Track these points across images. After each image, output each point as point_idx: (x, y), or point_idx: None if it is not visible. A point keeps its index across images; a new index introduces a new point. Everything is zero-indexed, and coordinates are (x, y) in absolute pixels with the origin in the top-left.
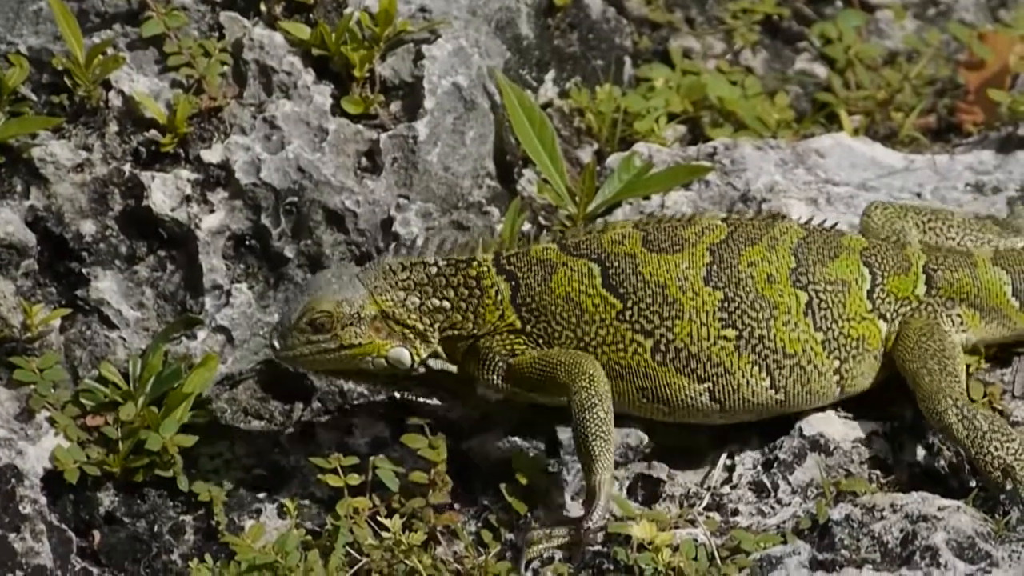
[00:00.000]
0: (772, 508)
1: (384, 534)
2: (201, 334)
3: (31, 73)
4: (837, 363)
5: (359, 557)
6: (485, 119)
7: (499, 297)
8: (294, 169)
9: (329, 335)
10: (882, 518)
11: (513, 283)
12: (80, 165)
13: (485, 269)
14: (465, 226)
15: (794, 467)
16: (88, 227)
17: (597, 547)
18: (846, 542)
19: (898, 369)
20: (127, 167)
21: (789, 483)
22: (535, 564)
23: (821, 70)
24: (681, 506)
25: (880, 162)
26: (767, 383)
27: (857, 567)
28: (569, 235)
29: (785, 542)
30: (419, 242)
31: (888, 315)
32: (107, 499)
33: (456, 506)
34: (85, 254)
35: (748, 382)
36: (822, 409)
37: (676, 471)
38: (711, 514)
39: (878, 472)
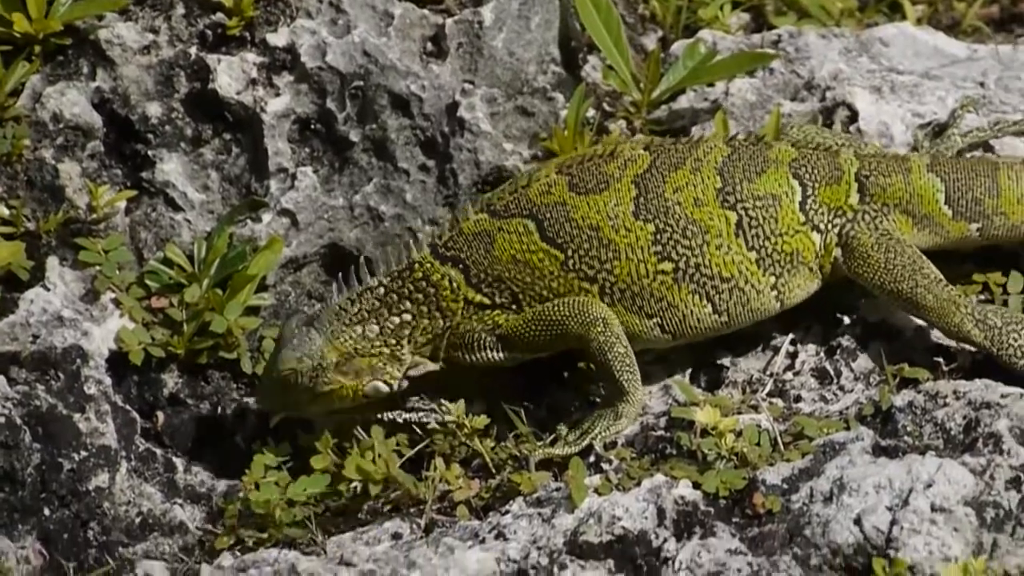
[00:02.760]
0: (835, 394)
1: (447, 417)
2: (266, 217)
3: None
4: (773, 279)
5: (421, 438)
6: (550, 5)
7: (454, 284)
8: (360, 53)
9: (304, 388)
10: (945, 405)
11: (461, 266)
12: (146, 47)
13: (428, 266)
14: (530, 112)
15: (857, 354)
16: (154, 109)
17: (660, 432)
18: (909, 428)
19: (866, 287)
20: (193, 50)
21: (852, 370)
22: (598, 448)
23: None
24: (744, 392)
25: (943, 51)
26: (709, 309)
27: (920, 453)
28: (496, 199)
29: (848, 428)
30: (360, 264)
31: (822, 226)
32: (171, 381)
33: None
34: (151, 136)
35: (692, 311)
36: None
37: (739, 358)
38: (774, 400)
39: (941, 359)
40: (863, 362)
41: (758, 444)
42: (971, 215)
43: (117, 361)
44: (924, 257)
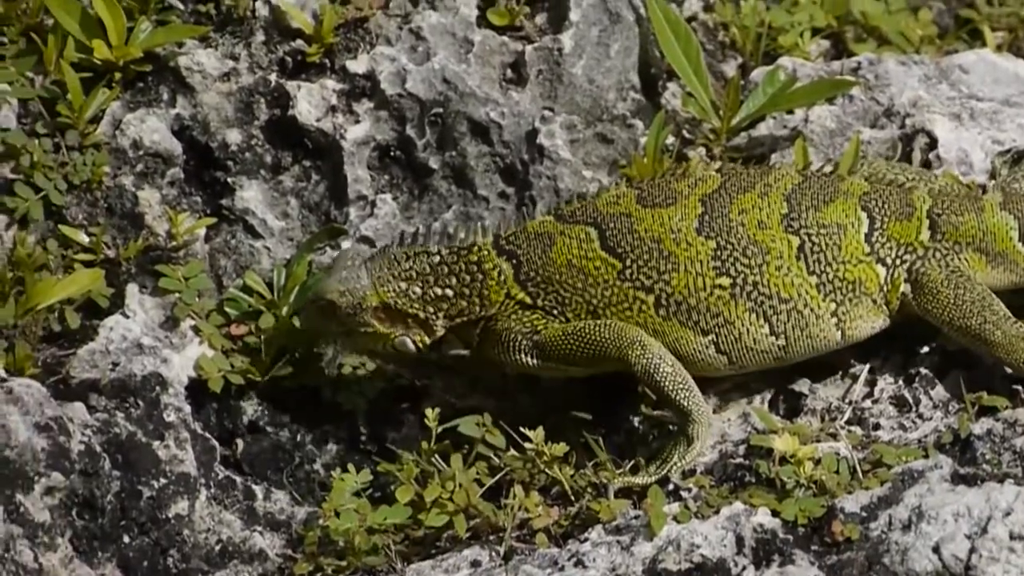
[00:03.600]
0: (913, 423)
1: (527, 445)
2: (345, 244)
3: None
4: (834, 306)
5: (501, 466)
6: (630, 32)
7: (502, 277)
8: (439, 80)
9: (337, 321)
10: (1023, 433)
11: (514, 261)
12: (226, 74)
13: (485, 253)
14: (609, 139)
15: (935, 382)
16: (234, 136)
17: (739, 459)
18: (987, 456)
19: (935, 324)
20: (273, 77)
21: (930, 398)
22: (676, 477)
23: None
24: (823, 420)
25: (1023, 78)
26: (766, 329)
27: (998, 481)
28: (564, 206)
29: (927, 456)
30: (434, 227)
31: (888, 260)
32: (250, 408)
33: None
34: (230, 163)
35: (748, 330)
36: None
37: (817, 385)
38: (852, 428)
39: (1019, 387)
40: (942, 390)
41: (837, 472)
42: None
43: (196, 388)
44: (993, 295)
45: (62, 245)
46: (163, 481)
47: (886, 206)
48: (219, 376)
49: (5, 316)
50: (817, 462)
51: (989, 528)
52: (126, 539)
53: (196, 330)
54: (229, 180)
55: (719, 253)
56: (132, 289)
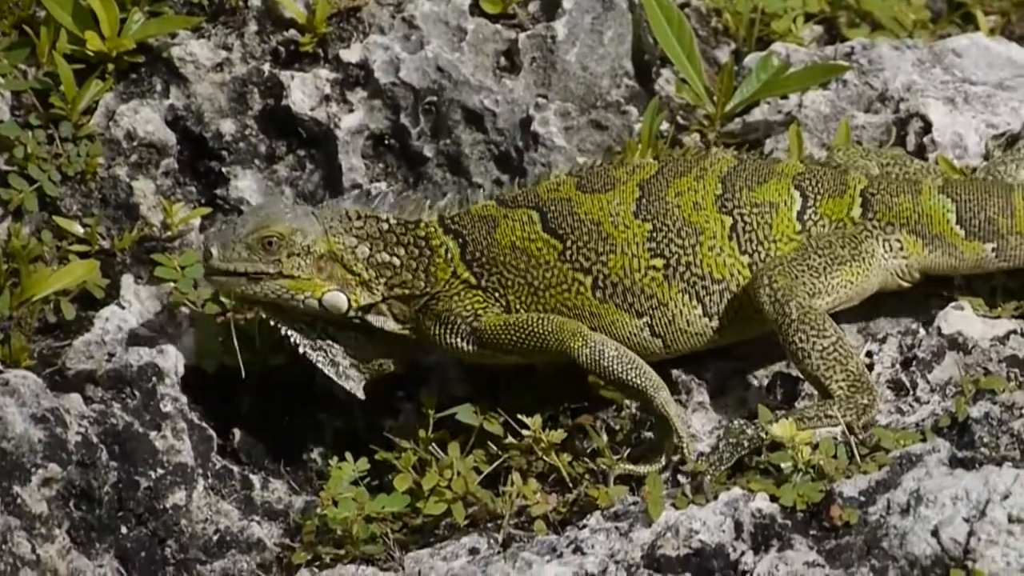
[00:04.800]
0: (911, 406)
1: (524, 432)
2: None
3: None
4: None
5: (498, 454)
6: (623, 19)
7: (448, 255)
8: (433, 68)
9: (272, 259)
10: (1021, 416)
11: (460, 240)
12: (219, 64)
13: (432, 230)
14: (603, 126)
15: (932, 365)
16: (228, 126)
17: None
18: (985, 440)
19: None
20: (266, 67)
21: (928, 381)
22: (674, 458)
23: None
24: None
25: (1016, 62)
26: (699, 311)
27: (996, 464)
28: (506, 192)
29: (924, 440)
30: (380, 191)
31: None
32: (247, 397)
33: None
34: (224, 153)
35: (681, 311)
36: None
37: None
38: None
39: (1016, 370)
40: (939, 374)
41: (835, 457)
42: (985, 235)
43: (193, 378)
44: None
45: (57, 236)
46: (160, 471)
47: (819, 185)
48: (214, 359)
49: (0, 307)
50: (815, 447)
51: (987, 511)
52: (124, 530)
53: (191, 319)
54: (223, 170)
55: (654, 235)
56: (127, 279)
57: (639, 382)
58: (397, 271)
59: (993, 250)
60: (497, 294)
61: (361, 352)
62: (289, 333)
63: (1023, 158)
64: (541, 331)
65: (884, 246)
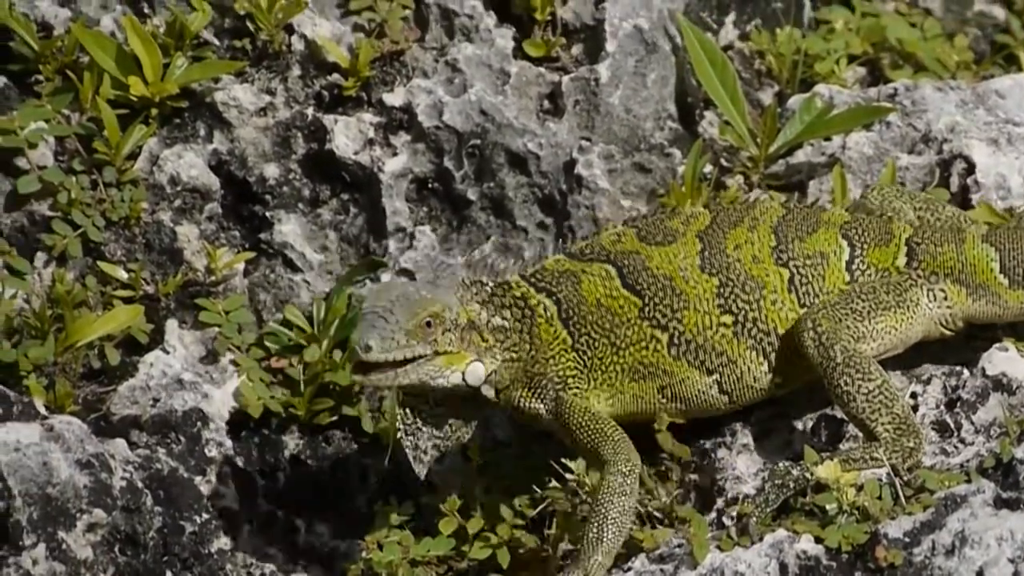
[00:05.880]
0: (955, 447)
1: (568, 476)
2: (385, 277)
3: (213, 18)
4: None
5: (542, 498)
6: (666, 61)
7: (548, 314)
8: (476, 112)
9: (430, 339)
10: None
11: (554, 299)
12: (263, 109)
13: (526, 289)
14: (647, 168)
15: (977, 407)
16: (271, 171)
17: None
18: None
19: None
20: (310, 111)
21: (972, 422)
22: (719, 505)
23: (999, 11)
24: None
25: None
26: (765, 367)
27: None
28: (570, 245)
29: (969, 481)
30: (472, 259)
31: None
32: (292, 442)
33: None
34: (268, 197)
35: (749, 368)
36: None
37: None
38: None
39: None
40: (983, 414)
41: (879, 498)
42: None
43: (237, 423)
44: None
45: (101, 281)
46: (205, 516)
47: (866, 234)
48: (259, 403)
49: (45, 353)
50: (860, 488)
51: None
52: (169, 575)
53: (236, 364)
54: (267, 214)
55: (722, 290)
56: (172, 324)
57: (608, 541)
58: (508, 334)
59: None
60: (586, 356)
61: (441, 423)
62: (408, 416)
63: None
64: (603, 434)
65: (928, 295)
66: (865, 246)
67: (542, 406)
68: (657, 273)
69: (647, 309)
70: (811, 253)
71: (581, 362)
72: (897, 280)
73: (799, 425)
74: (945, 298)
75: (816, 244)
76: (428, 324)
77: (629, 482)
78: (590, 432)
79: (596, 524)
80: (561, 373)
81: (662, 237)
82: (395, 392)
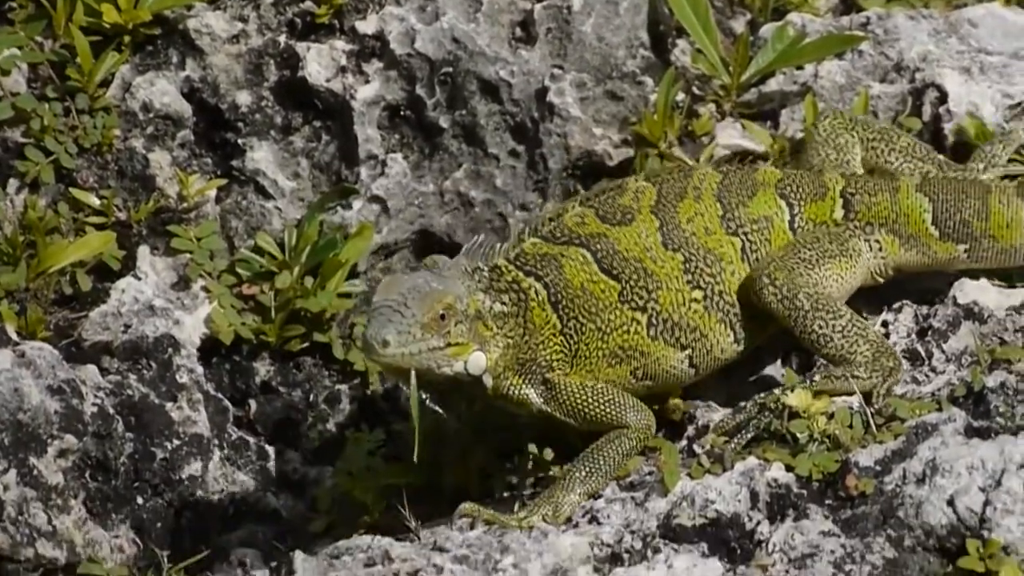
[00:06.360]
0: (926, 376)
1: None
2: (356, 204)
3: None
4: None
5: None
6: None
7: (540, 298)
8: (448, 39)
9: (444, 331)
10: None
11: (542, 282)
12: (235, 36)
13: (516, 273)
14: (619, 96)
15: (948, 335)
16: (244, 98)
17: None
18: (1001, 409)
19: None
20: (282, 38)
21: (943, 351)
22: (689, 433)
23: None
24: None
25: None
26: (731, 338)
27: (1012, 434)
28: (540, 227)
29: (940, 409)
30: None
31: None
32: (263, 369)
33: None
34: (240, 125)
35: (718, 341)
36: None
37: None
38: None
39: None
40: (954, 343)
41: (850, 426)
42: (959, 237)
43: (209, 350)
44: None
45: (73, 208)
46: (176, 443)
47: (801, 190)
48: (230, 330)
49: (17, 279)
50: (830, 416)
51: (1003, 480)
52: (140, 501)
53: (207, 291)
54: (239, 141)
55: (688, 266)
56: (143, 251)
57: (592, 482)
58: (507, 319)
59: (965, 251)
60: (573, 341)
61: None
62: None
63: (1011, 141)
64: (617, 404)
65: (867, 245)
66: (802, 203)
67: (532, 391)
68: (628, 256)
69: (626, 292)
70: (756, 218)
71: (567, 346)
72: (837, 231)
73: (769, 353)
74: (880, 248)
75: (758, 208)
76: (442, 316)
77: (637, 445)
78: (598, 404)
79: (586, 466)
80: (548, 357)
81: (620, 216)
82: (413, 379)
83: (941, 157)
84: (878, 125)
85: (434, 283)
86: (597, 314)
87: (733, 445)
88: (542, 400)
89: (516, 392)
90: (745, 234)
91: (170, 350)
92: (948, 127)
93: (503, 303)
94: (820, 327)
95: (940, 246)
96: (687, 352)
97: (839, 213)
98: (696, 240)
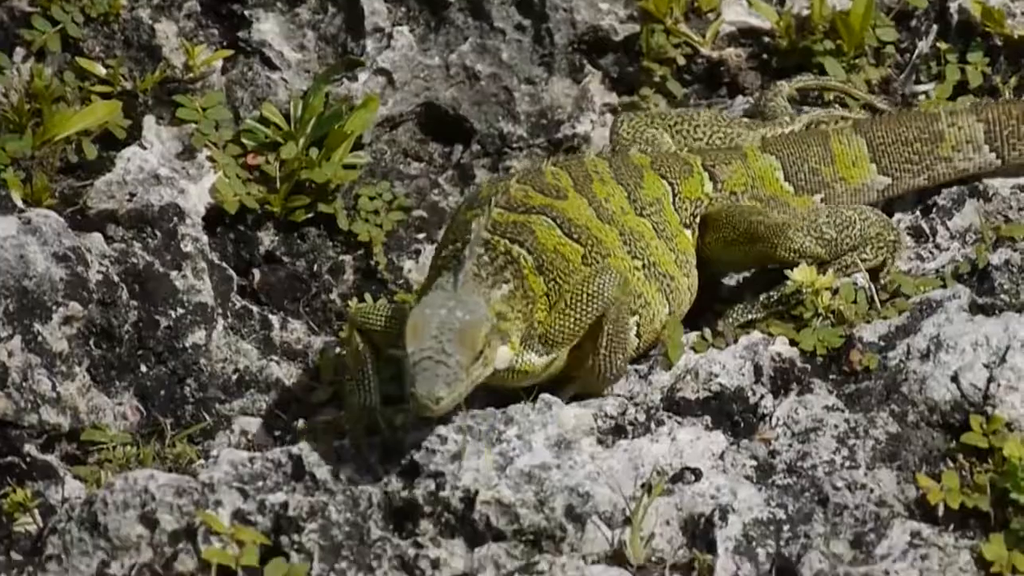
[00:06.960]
0: (931, 253)
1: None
2: (362, 76)
3: None
4: (686, 279)
5: None
6: None
7: (529, 264)
8: None
9: (483, 358)
10: None
11: (526, 248)
12: None
13: (506, 243)
14: None
15: (952, 212)
16: None
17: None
18: (1005, 286)
19: (722, 259)
20: None
21: (947, 228)
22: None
23: None
24: None
25: None
26: (665, 309)
27: (1017, 311)
28: (491, 193)
29: (944, 286)
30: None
31: (687, 220)
32: (267, 238)
33: None
34: None
35: (658, 311)
36: None
37: None
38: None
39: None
40: (959, 220)
41: (855, 302)
42: (812, 187)
43: (213, 219)
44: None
45: (79, 77)
46: (180, 311)
47: (673, 169)
48: (235, 199)
49: (23, 147)
50: (835, 292)
51: (1007, 357)
52: (143, 368)
53: (212, 160)
54: (246, 13)
55: (623, 239)
56: (149, 120)
57: (612, 357)
58: (514, 297)
59: (822, 200)
60: (552, 301)
61: None
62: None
63: (779, 90)
64: (583, 307)
65: None
66: (677, 181)
67: (534, 356)
68: (580, 224)
69: (587, 256)
70: (652, 200)
71: (548, 307)
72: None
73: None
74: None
75: (651, 190)
76: (481, 351)
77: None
78: (582, 313)
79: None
80: (528, 317)
81: (556, 192)
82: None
83: (745, 119)
84: (673, 111)
85: (460, 313)
86: (568, 276)
87: (733, 319)
88: (546, 359)
89: (521, 361)
90: (649, 215)
91: (175, 219)
92: (953, 7)
93: (506, 280)
94: (832, 230)
95: (798, 201)
96: (635, 319)
97: (708, 186)
98: (619, 217)
